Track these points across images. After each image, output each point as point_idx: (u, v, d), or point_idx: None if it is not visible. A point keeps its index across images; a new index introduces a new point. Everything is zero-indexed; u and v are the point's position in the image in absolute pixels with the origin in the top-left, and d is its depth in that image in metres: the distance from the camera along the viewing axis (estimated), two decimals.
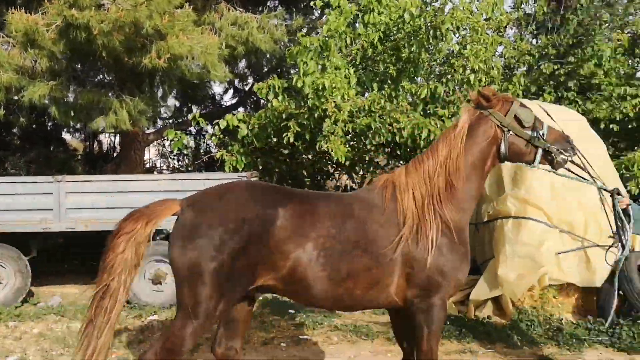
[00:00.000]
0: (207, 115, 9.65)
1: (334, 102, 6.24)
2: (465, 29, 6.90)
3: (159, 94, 9.79)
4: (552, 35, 10.04)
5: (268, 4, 11.56)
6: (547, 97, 9.69)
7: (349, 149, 6.84)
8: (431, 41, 6.47)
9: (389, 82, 6.88)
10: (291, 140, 6.86)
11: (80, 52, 7.66)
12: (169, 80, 8.99)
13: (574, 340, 5.29)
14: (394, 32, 6.93)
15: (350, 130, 6.57)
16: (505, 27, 10.10)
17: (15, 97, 7.79)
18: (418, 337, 3.37)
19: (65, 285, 8.17)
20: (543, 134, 3.56)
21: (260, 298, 6.42)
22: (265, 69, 11.96)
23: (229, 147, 7.92)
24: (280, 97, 7.10)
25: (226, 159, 7.66)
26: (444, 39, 6.71)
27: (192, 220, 3.17)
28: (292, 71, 10.27)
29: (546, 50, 9.85)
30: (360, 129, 6.43)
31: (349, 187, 9.28)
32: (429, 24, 6.79)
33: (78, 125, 11.51)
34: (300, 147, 8.05)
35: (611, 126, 9.91)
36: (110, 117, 7.75)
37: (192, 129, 13.09)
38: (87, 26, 6.54)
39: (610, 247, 5.51)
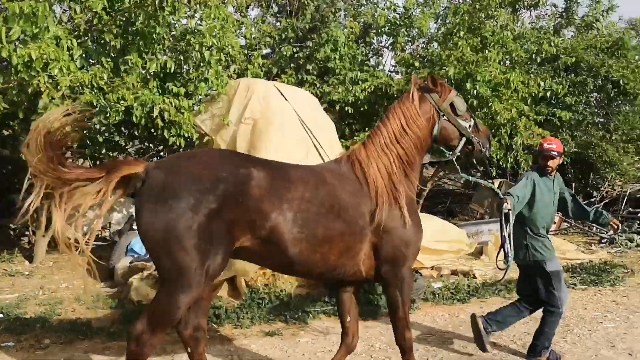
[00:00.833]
0: None
1: (48, 75, 5.60)
2: (197, 3, 6.76)
3: None
4: (292, 19, 10.52)
5: None
6: (288, 79, 10.19)
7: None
8: (158, 12, 6.17)
9: (112, 55, 6.44)
10: None
11: None
12: None
13: (300, 312, 5.60)
14: (121, 1, 6.49)
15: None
16: (248, 7, 10.31)
17: None
18: (394, 307, 3.68)
19: None
20: (470, 126, 3.92)
21: None
22: None
23: None
24: None
25: None
26: (175, 11, 6.49)
27: (162, 180, 3.05)
28: None
29: (286, 33, 10.29)
30: (82, 106, 5.89)
31: None
32: None
33: None
34: (18, 128, 7.17)
35: (347, 108, 10.82)
36: None
37: None
38: None
39: None
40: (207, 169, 3.16)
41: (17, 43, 5.79)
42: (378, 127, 3.80)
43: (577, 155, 13.68)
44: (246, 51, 10.10)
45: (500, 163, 11.47)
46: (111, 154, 7.97)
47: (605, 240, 10.79)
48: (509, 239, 4.44)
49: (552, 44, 10.90)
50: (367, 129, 10.71)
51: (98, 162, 7.83)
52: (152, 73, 6.58)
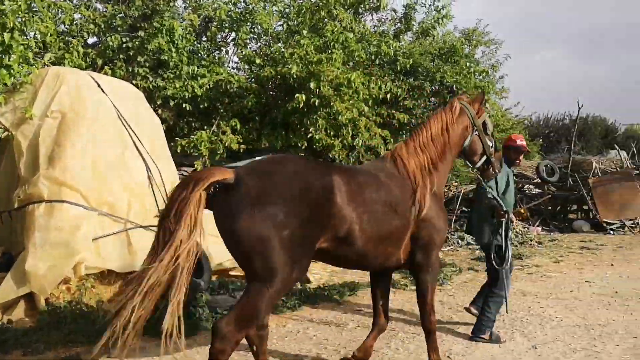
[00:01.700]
0: None
1: None
2: None
3: None
4: (121, 5, 9.69)
5: None
6: (117, 71, 9.37)
7: None
8: None
9: None
10: None
11: None
12: None
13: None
14: None
15: None
16: None
17: None
18: (424, 291, 4.16)
19: None
20: (492, 146, 4.48)
21: None
22: None
23: None
24: None
25: None
26: None
27: (258, 187, 3.23)
28: None
29: (114, 21, 9.45)
30: None
31: None
32: None
33: None
34: None
35: (184, 105, 10.22)
36: None
37: None
38: None
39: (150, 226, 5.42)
40: (297, 176, 3.40)
41: None
42: (419, 129, 4.32)
43: None
44: (68, 39, 9.13)
45: (343, 164, 11.56)
46: None
47: None
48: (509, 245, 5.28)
49: (391, 47, 11.18)
50: (206, 127, 10.22)
51: None
52: None
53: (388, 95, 11.09)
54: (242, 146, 10.14)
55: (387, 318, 4.52)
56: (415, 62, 12.19)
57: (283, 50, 10.77)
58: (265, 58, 11.10)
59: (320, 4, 11.10)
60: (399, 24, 12.80)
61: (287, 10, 11.98)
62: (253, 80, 11.37)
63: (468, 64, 12.80)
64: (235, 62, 12.05)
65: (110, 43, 9.12)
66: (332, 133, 10.63)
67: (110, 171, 6.01)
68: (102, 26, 9.42)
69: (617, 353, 5.01)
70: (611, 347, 5.14)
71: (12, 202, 5.75)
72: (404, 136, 13.09)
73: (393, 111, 11.51)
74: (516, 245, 10.61)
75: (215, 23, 11.34)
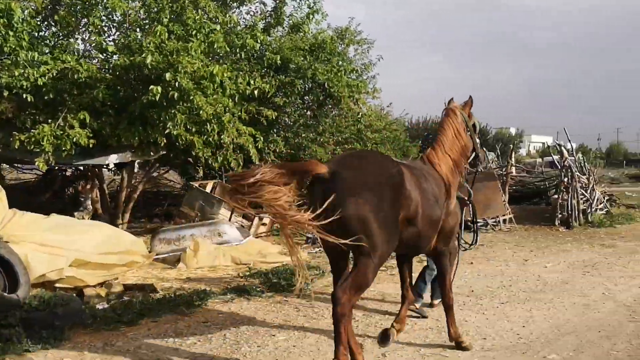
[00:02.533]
0: None
1: None
2: None
3: None
4: None
5: None
6: None
7: None
8: None
9: None
10: None
11: None
12: None
13: None
14: None
15: None
16: None
17: None
18: (444, 273, 5.04)
19: None
20: (479, 143, 5.42)
21: None
22: None
23: None
24: None
25: None
26: None
27: (354, 179, 3.86)
28: None
29: None
30: None
31: None
32: None
33: None
34: None
35: (25, 96, 9.16)
36: None
37: None
38: None
39: None
40: (380, 167, 4.07)
41: None
42: (438, 136, 5.04)
43: (292, 157, 13.97)
44: None
45: (210, 162, 10.96)
46: None
47: (309, 239, 10.98)
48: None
49: (258, 40, 10.72)
50: (50, 120, 9.18)
51: None
52: None
53: (256, 92, 10.62)
54: (92, 141, 9.23)
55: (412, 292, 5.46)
56: (285, 57, 11.84)
57: (141, 38, 9.98)
58: (122, 47, 10.23)
59: None
60: (269, 18, 12.39)
61: None
62: (109, 70, 10.47)
63: (340, 62, 12.68)
64: (87, 51, 11.01)
65: None
66: (194, 129, 10.00)
67: None
68: None
69: (466, 357, 4.89)
70: (460, 351, 5.02)
71: None
72: (275, 135, 12.74)
73: (261, 108, 11.07)
74: None
75: (64, 6, 10.29)
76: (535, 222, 14.09)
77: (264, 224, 12.12)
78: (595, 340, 5.35)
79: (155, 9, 10.14)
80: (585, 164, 16.49)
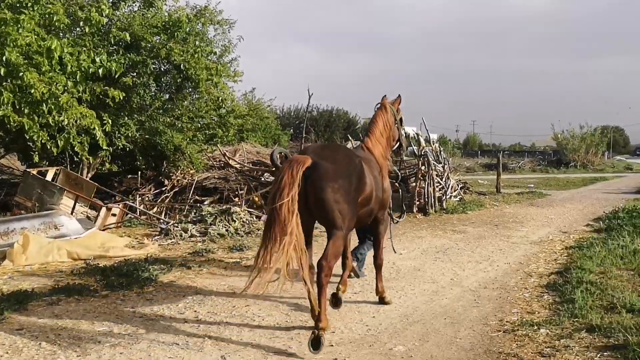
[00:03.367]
0: None
1: None
2: None
3: None
4: None
5: None
6: None
7: None
8: None
9: None
10: None
11: None
12: None
13: None
14: None
15: None
16: None
17: None
18: (379, 239, 6.15)
19: None
20: (404, 135, 6.78)
21: None
22: None
23: None
24: None
25: None
26: None
27: (332, 170, 4.77)
28: None
29: None
30: None
31: None
32: None
33: None
34: None
35: None
36: None
37: None
38: None
39: None
40: (348, 159, 5.07)
41: None
42: (371, 127, 6.12)
43: (147, 142, 13.04)
44: None
45: (49, 147, 9.83)
46: None
47: (162, 230, 10.26)
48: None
49: (104, 14, 9.72)
50: None
51: None
52: None
53: (101, 70, 9.65)
54: None
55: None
56: (136, 35, 10.93)
57: None
58: None
59: None
60: None
61: None
62: None
63: (198, 42, 11.97)
64: None
65: None
66: (26, 110, 8.86)
67: None
68: None
69: (310, 355, 4.61)
70: (305, 348, 4.72)
71: None
72: (127, 117, 11.79)
73: (106, 88, 10.11)
74: (242, 236, 10.13)
75: None
76: (395, 209, 14.35)
77: (114, 215, 11.18)
78: (440, 328, 5.33)
79: None
80: (442, 153, 17.18)
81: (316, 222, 5.22)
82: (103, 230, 10.49)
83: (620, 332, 4.83)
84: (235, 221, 10.38)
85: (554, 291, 6.50)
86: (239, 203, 12.47)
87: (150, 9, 11.69)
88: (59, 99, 8.89)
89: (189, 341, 4.80)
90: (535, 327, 5.18)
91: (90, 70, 9.61)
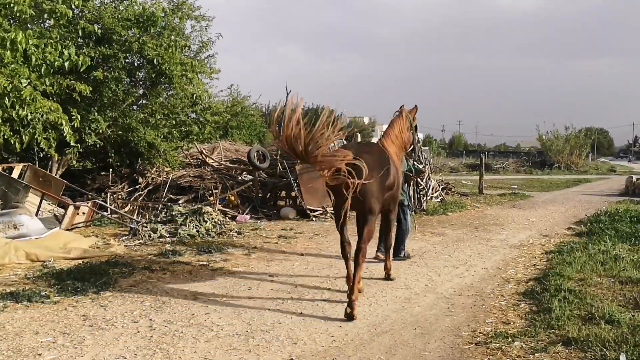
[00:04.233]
0: None
1: None
2: None
3: None
4: None
5: None
6: None
7: None
8: None
9: None
10: None
11: None
12: None
13: None
14: None
15: None
16: None
17: None
18: (390, 223, 7.09)
19: None
20: (417, 139, 7.98)
21: None
22: None
23: None
24: None
25: None
26: None
27: (370, 163, 5.66)
28: None
29: None
30: None
31: None
32: None
33: None
34: None
35: None
36: None
37: None
38: None
39: None
40: (381, 154, 6.29)
41: None
42: (388, 130, 7.21)
43: (120, 139, 12.62)
44: None
45: (12, 142, 9.40)
46: None
47: (131, 230, 9.85)
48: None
49: (72, 6, 9.29)
50: None
51: None
52: None
53: (67, 64, 9.21)
54: None
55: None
56: (107, 28, 10.50)
57: None
58: None
59: None
60: None
61: None
62: None
63: (173, 37, 11.56)
64: None
65: None
66: None
67: None
68: None
69: None
70: (267, 358, 4.39)
71: None
72: (98, 113, 11.36)
73: (73, 82, 9.68)
74: (213, 237, 9.76)
75: None
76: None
77: (84, 213, 10.75)
78: (409, 339, 5.01)
79: None
80: (422, 153, 16.90)
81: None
82: (70, 229, 10.08)
83: (597, 346, 4.56)
84: (206, 221, 10.00)
85: (531, 299, 6.21)
86: (214, 202, 12.08)
87: (123, 1, 11.25)
88: (22, 92, 8.47)
89: (137, 354, 4.45)
90: (510, 339, 4.88)
91: (56, 63, 9.18)
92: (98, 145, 11.85)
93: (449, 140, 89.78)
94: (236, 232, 10.24)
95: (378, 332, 5.19)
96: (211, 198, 12.54)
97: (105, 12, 10.55)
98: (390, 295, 6.49)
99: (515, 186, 23.81)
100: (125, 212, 11.81)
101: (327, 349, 4.76)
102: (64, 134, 9.56)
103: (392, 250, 7.38)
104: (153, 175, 13.66)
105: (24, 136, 9.51)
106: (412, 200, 8.41)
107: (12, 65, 8.50)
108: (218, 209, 11.78)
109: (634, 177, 22.36)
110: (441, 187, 17.68)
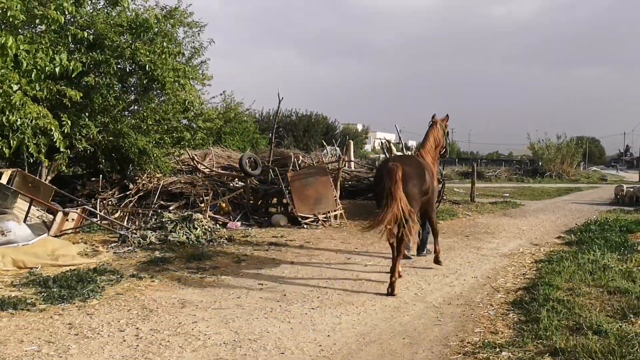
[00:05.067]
0: None
1: None
2: None
3: None
4: None
5: None
6: None
7: None
8: None
9: None
10: None
11: None
12: None
13: None
14: None
15: None
16: None
17: None
18: (432, 218, 8.43)
19: None
20: (448, 144, 9.21)
21: None
22: None
23: None
24: None
25: None
26: None
27: (411, 172, 7.07)
28: None
29: None
30: None
31: None
32: None
33: None
34: None
35: None
36: None
37: None
38: None
39: None
40: (418, 165, 7.51)
41: None
42: (424, 141, 8.53)
43: (111, 144, 12.57)
44: None
45: (1, 147, 9.34)
46: None
47: (120, 236, 9.79)
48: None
49: (65, 12, 9.24)
50: None
51: None
52: None
53: (57, 69, 9.17)
54: None
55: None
56: (100, 33, 10.47)
57: None
58: None
59: None
60: None
61: None
62: None
63: (165, 43, 11.54)
64: None
65: None
66: None
67: None
68: None
69: None
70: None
71: None
72: (89, 118, 11.31)
73: (63, 87, 9.63)
74: (203, 244, 9.71)
75: None
76: (367, 218, 14.05)
77: (72, 220, 10.68)
78: (397, 349, 5.00)
79: None
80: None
81: None
82: (59, 236, 10.00)
83: (584, 357, 4.55)
84: (197, 228, 9.96)
85: (519, 309, 6.21)
86: (205, 209, 12.04)
87: (116, 7, 11.22)
88: (11, 98, 8.42)
89: None
90: (497, 350, 4.88)
91: (47, 69, 9.13)
92: (89, 151, 11.80)
93: None
94: (226, 239, 10.20)
95: (366, 342, 5.17)
96: (202, 205, 12.49)
97: (97, 18, 10.53)
98: (380, 304, 6.47)
99: (507, 194, 23.87)
100: (115, 218, 11.74)
101: (314, 358, 4.74)
102: (54, 140, 9.51)
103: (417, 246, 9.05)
104: (144, 182, 13.61)
105: (12, 141, 9.45)
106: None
107: (2, 70, 8.45)
108: (209, 216, 11.74)
109: (624, 187, 22.48)
110: None
